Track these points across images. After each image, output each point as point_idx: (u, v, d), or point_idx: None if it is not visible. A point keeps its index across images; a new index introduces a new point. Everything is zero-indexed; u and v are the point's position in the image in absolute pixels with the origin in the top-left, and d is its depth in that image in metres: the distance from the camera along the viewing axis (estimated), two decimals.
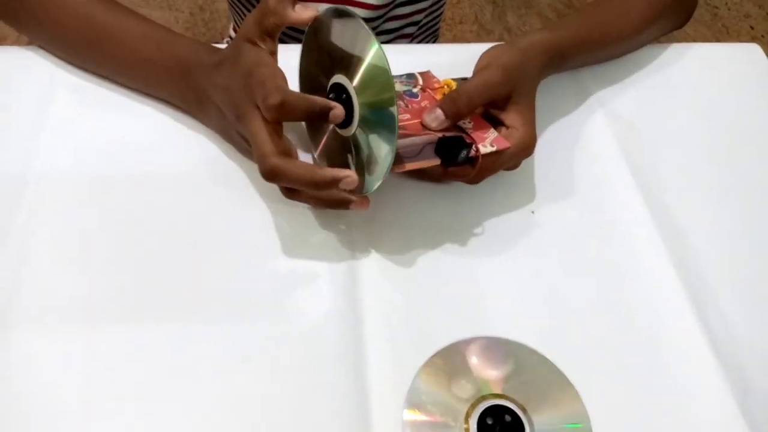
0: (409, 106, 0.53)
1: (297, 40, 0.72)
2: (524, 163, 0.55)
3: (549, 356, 0.48)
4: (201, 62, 0.54)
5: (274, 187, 0.50)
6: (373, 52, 0.46)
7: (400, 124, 0.48)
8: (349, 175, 0.46)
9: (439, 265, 0.52)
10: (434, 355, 0.47)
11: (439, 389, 0.46)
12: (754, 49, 0.70)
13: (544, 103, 0.57)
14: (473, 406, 0.45)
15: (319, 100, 0.47)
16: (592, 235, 0.55)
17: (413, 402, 0.45)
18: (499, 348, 0.48)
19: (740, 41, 0.73)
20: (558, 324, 0.50)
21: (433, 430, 0.45)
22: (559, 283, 0.52)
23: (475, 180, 0.54)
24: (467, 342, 0.48)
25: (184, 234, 0.52)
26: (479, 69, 0.54)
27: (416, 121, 0.51)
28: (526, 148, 0.53)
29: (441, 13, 0.86)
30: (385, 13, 0.75)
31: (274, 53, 0.50)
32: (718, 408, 0.47)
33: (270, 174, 0.46)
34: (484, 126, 0.53)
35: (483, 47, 0.56)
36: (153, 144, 0.57)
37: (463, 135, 0.51)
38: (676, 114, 0.64)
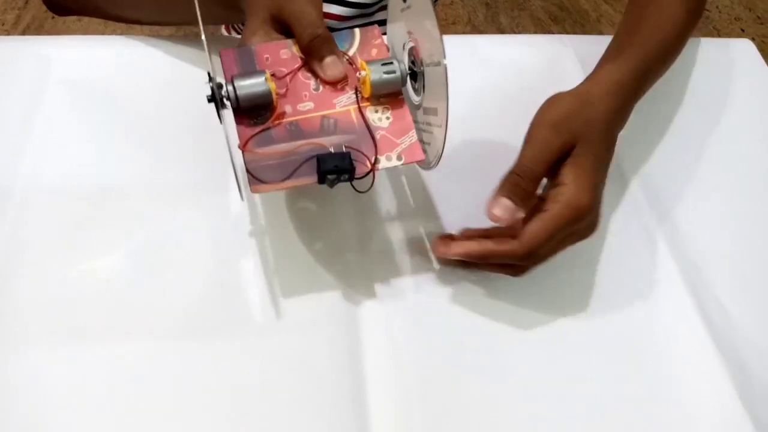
0: (320, 89, 0.43)
1: None
2: None
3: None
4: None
5: (269, 198, 0.50)
6: None
7: (294, 120, 0.42)
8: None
9: (436, 271, 0.52)
10: None
11: None
12: (747, 45, 0.71)
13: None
14: None
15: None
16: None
17: None
18: None
19: None
20: (557, 320, 0.50)
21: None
22: (558, 280, 0.52)
23: (520, 271, 0.47)
24: None
25: (179, 240, 0.51)
26: (529, 127, 0.46)
27: (317, 113, 0.42)
28: (576, 209, 0.43)
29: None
30: (379, 0, 0.75)
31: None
32: (720, 402, 0.47)
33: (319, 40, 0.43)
34: (405, 124, 0.43)
35: (480, 39, 0.55)
36: (145, 141, 0.56)
37: (352, 151, 0.41)
38: (672, 105, 0.65)
